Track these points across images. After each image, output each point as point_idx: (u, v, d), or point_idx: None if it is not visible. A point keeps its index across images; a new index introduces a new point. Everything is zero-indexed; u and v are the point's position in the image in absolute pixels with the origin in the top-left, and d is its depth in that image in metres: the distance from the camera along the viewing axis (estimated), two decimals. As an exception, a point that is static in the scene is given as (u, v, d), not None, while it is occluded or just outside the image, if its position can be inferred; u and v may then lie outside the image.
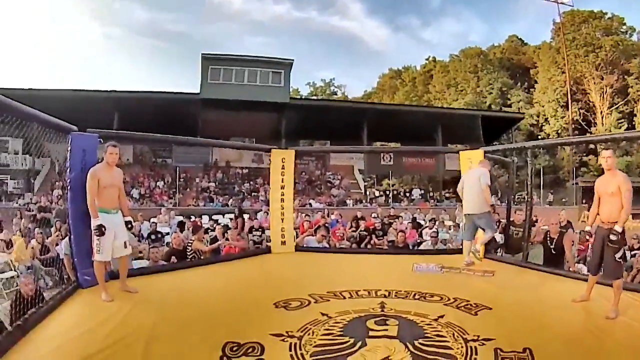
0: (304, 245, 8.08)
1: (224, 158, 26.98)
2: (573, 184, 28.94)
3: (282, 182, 7.35)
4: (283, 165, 7.36)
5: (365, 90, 61.98)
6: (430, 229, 11.22)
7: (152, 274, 6.08)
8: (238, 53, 27.72)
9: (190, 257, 7.59)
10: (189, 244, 7.76)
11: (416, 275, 5.99)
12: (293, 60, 26.82)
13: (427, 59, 54.98)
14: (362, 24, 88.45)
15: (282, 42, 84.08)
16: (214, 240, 8.93)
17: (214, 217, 17.13)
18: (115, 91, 23.80)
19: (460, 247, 7.56)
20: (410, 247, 9.73)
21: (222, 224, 12.86)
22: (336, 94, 57.08)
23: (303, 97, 47.78)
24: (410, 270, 6.19)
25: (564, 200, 29.29)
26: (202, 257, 7.58)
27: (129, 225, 5.01)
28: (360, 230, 11.40)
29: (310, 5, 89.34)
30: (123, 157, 25.44)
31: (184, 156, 26.48)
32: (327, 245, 8.40)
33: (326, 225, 11.63)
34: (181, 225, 12.36)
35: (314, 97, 53.01)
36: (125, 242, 4.90)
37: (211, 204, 22.16)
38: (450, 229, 13.53)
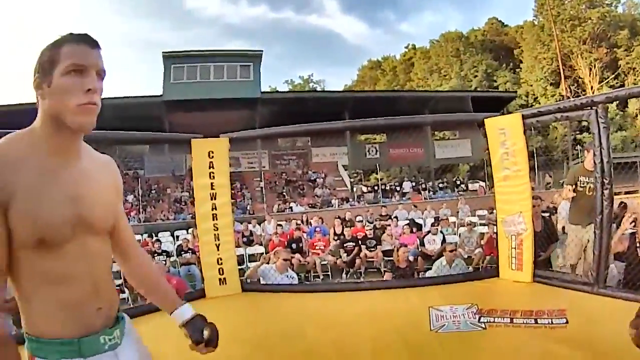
0: (259, 280, 5.42)
1: (198, 164, 24.74)
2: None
3: (213, 187, 4.69)
4: (211, 163, 4.71)
5: (345, 84, 60.15)
6: (435, 234, 8.77)
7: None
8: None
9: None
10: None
11: (439, 337, 3.45)
12: (262, 51, 24.97)
13: (406, 47, 53.17)
14: (338, 21, 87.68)
15: (260, 44, 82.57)
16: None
17: (176, 233, 14.74)
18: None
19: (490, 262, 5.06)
20: (412, 261, 7.24)
21: (181, 240, 10.72)
22: (315, 91, 54.93)
23: (277, 91, 45.33)
24: (426, 322, 3.63)
25: (561, 182, 27.27)
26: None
27: None
28: (346, 241, 8.92)
29: (287, 6, 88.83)
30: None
31: (156, 166, 24.19)
32: (294, 276, 5.73)
33: (301, 237, 9.20)
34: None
35: (289, 91, 50.87)
36: None
37: (181, 215, 19.92)
38: (456, 228, 11.04)
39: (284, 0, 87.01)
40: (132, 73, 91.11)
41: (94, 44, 1.38)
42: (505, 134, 4.48)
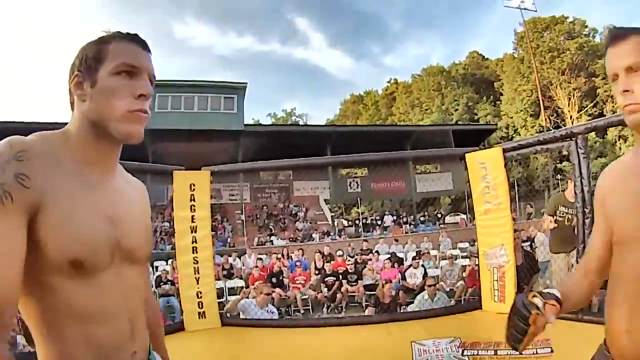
0: (238, 314, 5.35)
1: (179, 195, 24.49)
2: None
3: (193, 220, 4.64)
4: (192, 195, 4.65)
5: (327, 118, 60.97)
6: (416, 267, 8.71)
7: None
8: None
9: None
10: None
11: (422, 372, 3.38)
12: (246, 83, 24.99)
13: (388, 82, 54.05)
14: (324, 54, 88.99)
15: (246, 75, 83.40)
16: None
17: (156, 263, 14.46)
18: (57, 123, 21.33)
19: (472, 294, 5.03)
20: (393, 294, 7.18)
21: (160, 271, 10.55)
22: (298, 124, 55.44)
23: (260, 124, 45.62)
24: (409, 357, 3.56)
25: (542, 211, 27.52)
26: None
27: None
28: (327, 275, 8.85)
29: (273, 38, 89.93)
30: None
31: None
32: (274, 310, 5.65)
33: (281, 269, 9.10)
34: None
35: (272, 124, 51.30)
36: None
37: (160, 245, 19.65)
38: (437, 261, 11.01)
39: (271, 33, 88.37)
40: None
41: (145, 46, 1.19)
42: (486, 168, 4.51)
